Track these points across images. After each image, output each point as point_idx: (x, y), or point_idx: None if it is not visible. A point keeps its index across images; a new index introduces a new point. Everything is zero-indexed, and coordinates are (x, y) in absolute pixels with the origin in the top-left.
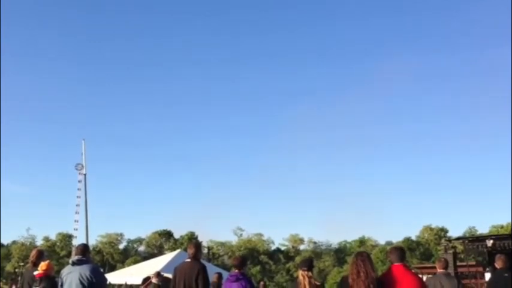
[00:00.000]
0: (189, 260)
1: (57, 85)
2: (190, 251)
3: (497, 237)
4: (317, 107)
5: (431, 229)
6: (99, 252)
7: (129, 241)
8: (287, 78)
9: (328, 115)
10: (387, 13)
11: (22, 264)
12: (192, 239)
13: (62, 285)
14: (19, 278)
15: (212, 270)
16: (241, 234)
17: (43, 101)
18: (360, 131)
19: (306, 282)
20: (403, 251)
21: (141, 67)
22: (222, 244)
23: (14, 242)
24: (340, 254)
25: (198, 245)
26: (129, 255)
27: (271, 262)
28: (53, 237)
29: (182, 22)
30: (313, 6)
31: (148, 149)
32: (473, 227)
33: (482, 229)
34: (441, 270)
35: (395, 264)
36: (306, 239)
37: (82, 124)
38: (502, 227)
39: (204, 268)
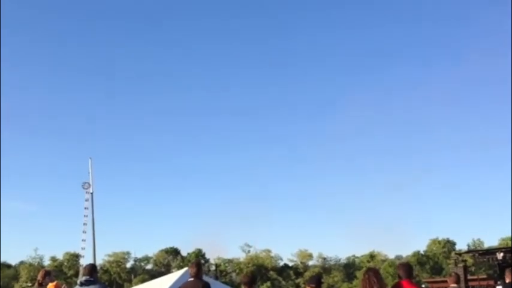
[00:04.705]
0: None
1: (64, 101)
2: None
3: (507, 249)
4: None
5: (439, 242)
6: (106, 271)
7: (136, 260)
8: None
9: (337, 126)
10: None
11: (30, 285)
12: (199, 256)
13: None
14: None
15: None
16: (249, 251)
17: (49, 117)
18: (371, 141)
19: None
20: (410, 266)
21: (149, 78)
22: (230, 261)
23: (21, 263)
24: (349, 269)
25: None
26: (136, 274)
27: (280, 278)
28: (60, 257)
29: (190, 28)
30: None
31: (153, 164)
32: (479, 239)
33: (488, 241)
34: (453, 285)
35: (402, 280)
36: (314, 255)
37: (90, 141)
38: (510, 239)
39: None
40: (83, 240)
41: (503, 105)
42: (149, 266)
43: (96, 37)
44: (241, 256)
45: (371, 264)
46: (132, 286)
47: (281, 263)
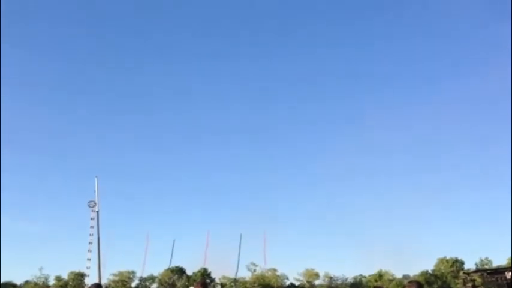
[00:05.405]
0: None
1: (68, 121)
2: None
3: None
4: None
5: (447, 261)
6: None
7: (142, 279)
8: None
9: (348, 146)
10: None
11: None
12: (204, 275)
13: None
14: None
15: None
16: (254, 270)
17: (53, 136)
18: (371, 164)
19: None
20: (420, 285)
21: (154, 99)
22: (236, 280)
23: (26, 282)
24: None
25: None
26: None
27: None
28: (65, 276)
29: (194, 45)
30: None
31: (160, 183)
32: (487, 258)
33: (496, 260)
34: None
35: None
36: (321, 274)
37: (94, 160)
38: None
39: None
40: (88, 259)
41: None
42: (154, 286)
43: (99, 56)
44: (246, 275)
45: (378, 284)
46: None
47: (287, 282)
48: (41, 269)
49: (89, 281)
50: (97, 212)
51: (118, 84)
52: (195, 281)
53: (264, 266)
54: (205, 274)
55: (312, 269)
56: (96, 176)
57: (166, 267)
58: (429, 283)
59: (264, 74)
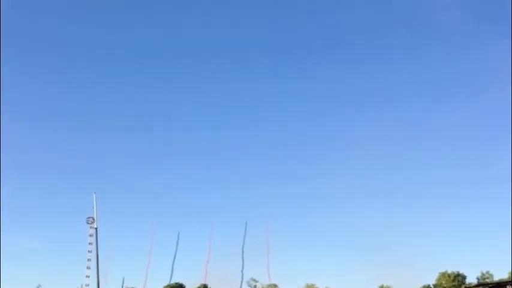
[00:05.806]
0: None
1: (67, 138)
2: None
3: None
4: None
5: (448, 275)
6: None
7: None
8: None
9: (348, 161)
10: None
11: None
12: None
13: None
14: None
15: None
16: (255, 286)
17: (51, 152)
18: (371, 180)
19: None
20: None
21: (153, 115)
22: None
23: None
24: None
25: None
26: None
27: None
28: None
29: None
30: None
31: (160, 199)
32: (488, 271)
33: (498, 274)
34: None
35: None
36: None
37: (92, 176)
38: None
39: None
40: (86, 276)
41: None
42: None
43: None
44: None
45: None
46: None
47: None
48: (38, 286)
49: None
50: (95, 228)
51: (117, 102)
52: None
53: (268, 281)
54: None
55: (313, 285)
56: (95, 192)
57: (166, 283)
58: None
59: (263, 92)
